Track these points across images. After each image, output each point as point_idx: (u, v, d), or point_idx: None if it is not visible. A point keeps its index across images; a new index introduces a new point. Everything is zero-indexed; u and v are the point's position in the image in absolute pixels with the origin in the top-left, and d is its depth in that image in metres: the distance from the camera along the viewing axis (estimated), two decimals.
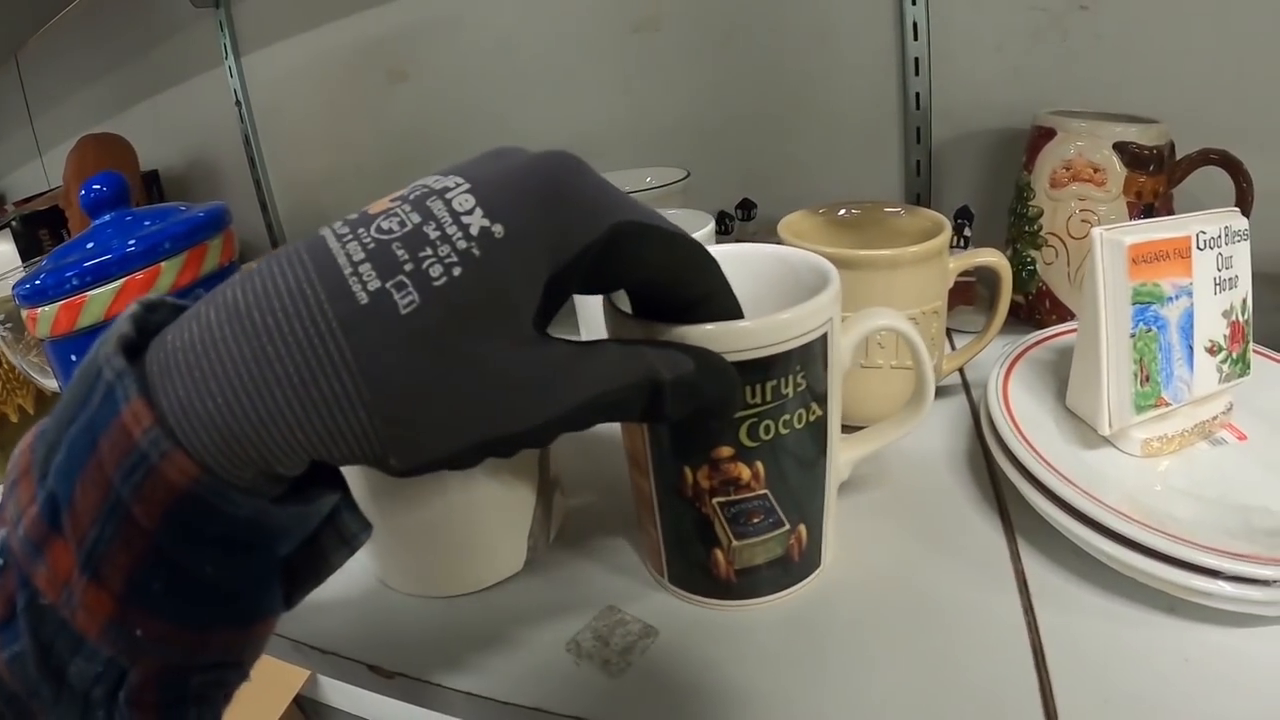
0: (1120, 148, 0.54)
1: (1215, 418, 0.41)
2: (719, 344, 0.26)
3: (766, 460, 0.31)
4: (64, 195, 1.03)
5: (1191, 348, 0.38)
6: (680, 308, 0.26)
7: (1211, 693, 0.29)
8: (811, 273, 0.35)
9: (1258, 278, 0.40)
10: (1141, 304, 0.37)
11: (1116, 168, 0.54)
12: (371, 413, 0.18)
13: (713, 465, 0.31)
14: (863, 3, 0.71)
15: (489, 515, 0.38)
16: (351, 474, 0.27)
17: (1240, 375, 0.40)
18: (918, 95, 0.70)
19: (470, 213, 0.19)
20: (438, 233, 0.19)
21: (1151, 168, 0.54)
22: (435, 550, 0.38)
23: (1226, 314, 0.39)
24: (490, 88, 0.91)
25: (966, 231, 0.66)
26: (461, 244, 0.18)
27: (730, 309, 0.27)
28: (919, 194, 0.73)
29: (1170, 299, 0.37)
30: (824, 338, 0.31)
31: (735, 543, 0.33)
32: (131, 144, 1.05)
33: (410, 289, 0.18)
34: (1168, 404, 0.38)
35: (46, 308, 0.44)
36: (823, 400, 0.32)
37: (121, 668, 0.18)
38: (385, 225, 0.19)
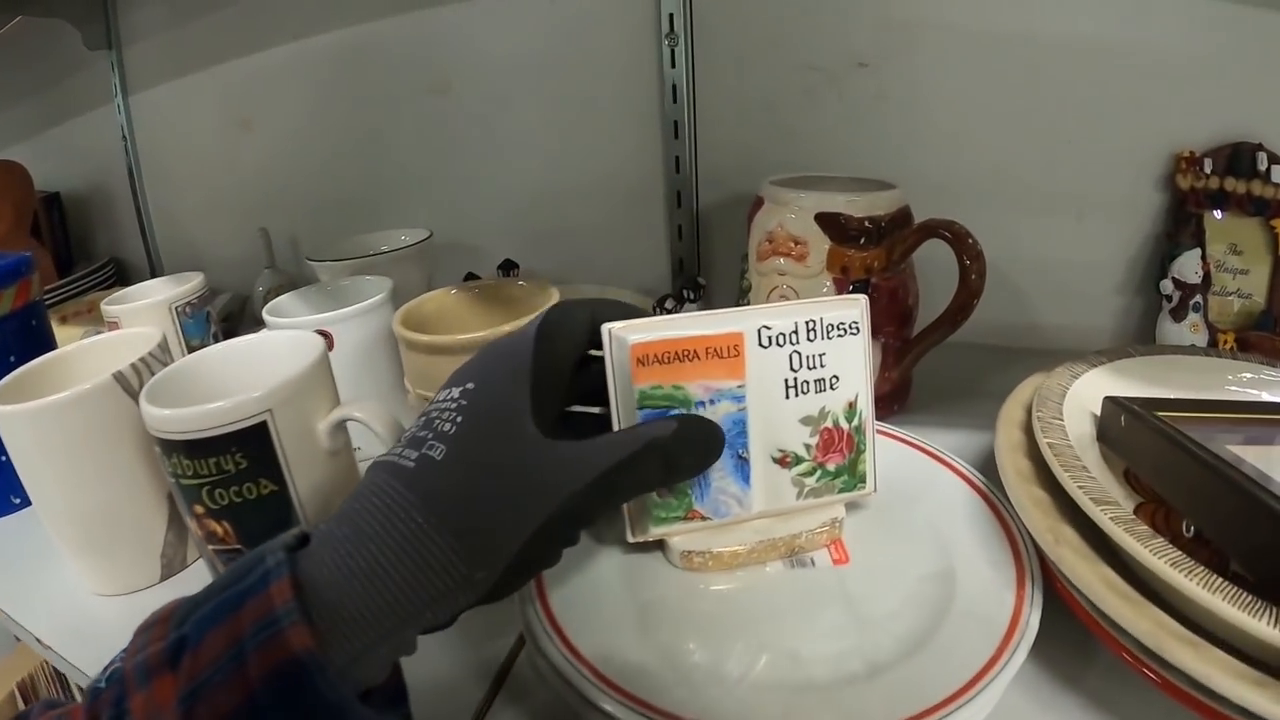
0: (825, 220, 0.49)
1: (802, 535, 0.36)
2: (175, 425, 0.36)
3: (230, 521, 0.37)
4: None
5: (743, 458, 0.33)
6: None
7: None
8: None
9: (978, 349, 0.35)
10: (653, 408, 0.31)
11: (820, 241, 0.49)
12: (441, 531, 0.23)
13: (197, 519, 0.38)
14: (627, 68, 0.69)
15: (122, 531, 0.44)
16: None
17: (845, 489, 0.35)
18: (677, 159, 0.66)
19: (454, 387, 0.28)
20: (439, 410, 0.27)
21: (863, 241, 0.49)
22: (84, 554, 0.45)
23: (810, 421, 0.34)
24: (326, 138, 0.93)
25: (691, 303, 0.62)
26: (452, 405, 0.26)
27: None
28: (682, 259, 0.69)
29: (701, 404, 0.32)
30: (263, 425, 0.37)
31: None
32: (26, 169, 1.09)
33: (436, 443, 0.25)
34: (704, 518, 0.34)
35: None
36: (277, 477, 0.38)
37: None
38: (412, 427, 0.27)
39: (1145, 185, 0.58)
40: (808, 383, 0.33)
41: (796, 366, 0.33)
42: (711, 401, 0.32)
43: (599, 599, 0.34)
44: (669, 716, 0.26)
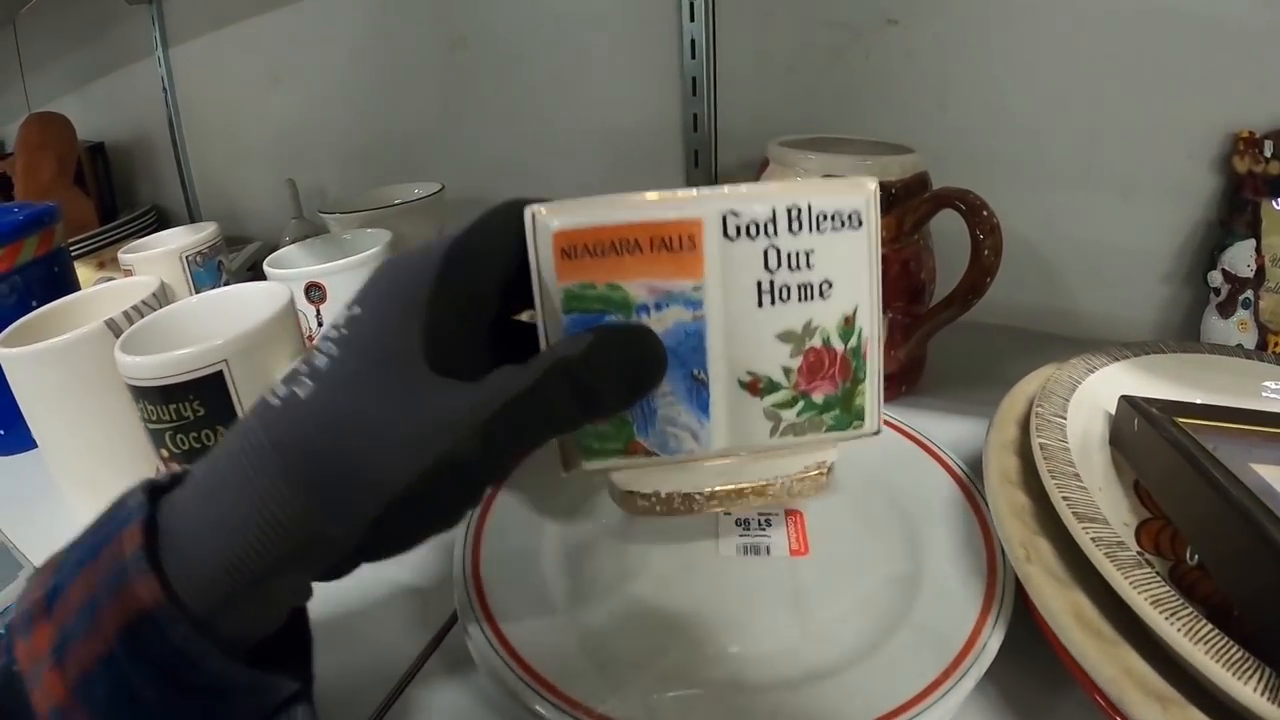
0: None
1: (778, 482, 0.27)
2: (139, 371, 0.37)
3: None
4: (12, 164, 1.11)
5: (700, 381, 0.25)
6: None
7: None
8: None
9: (1006, 331, 0.31)
10: (583, 313, 0.24)
11: None
12: (291, 484, 0.20)
13: (164, 462, 0.39)
14: (645, 22, 0.66)
15: (118, 470, 0.43)
16: None
17: (836, 428, 0.27)
18: (695, 117, 0.62)
19: (340, 317, 0.23)
20: (322, 339, 0.23)
21: None
22: (84, 491, 0.47)
23: (791, 337, 0.25)
24: (351, 91, 0.93)
25: None
26: (334, 334, 0.22)
27: None
28: None
29: (643, 309, 0.24)
30: (219, 374, 0.37)
31: None
32: (69, 120, 1.12)
33: (306, 380, 0.22)
34: (649, 453, 0.26)
35: None
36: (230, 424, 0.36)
37: None
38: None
39: (1198, 166, 0.53)
40: (788, 288, 0.25)
41: (773, 265, 0.24)
42: (658, 307, 0.24)
43: (533, 572, 0.33)
44: (583, 710, 0.25)
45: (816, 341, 0.25)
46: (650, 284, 0.24)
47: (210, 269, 0.73)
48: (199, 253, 0.71)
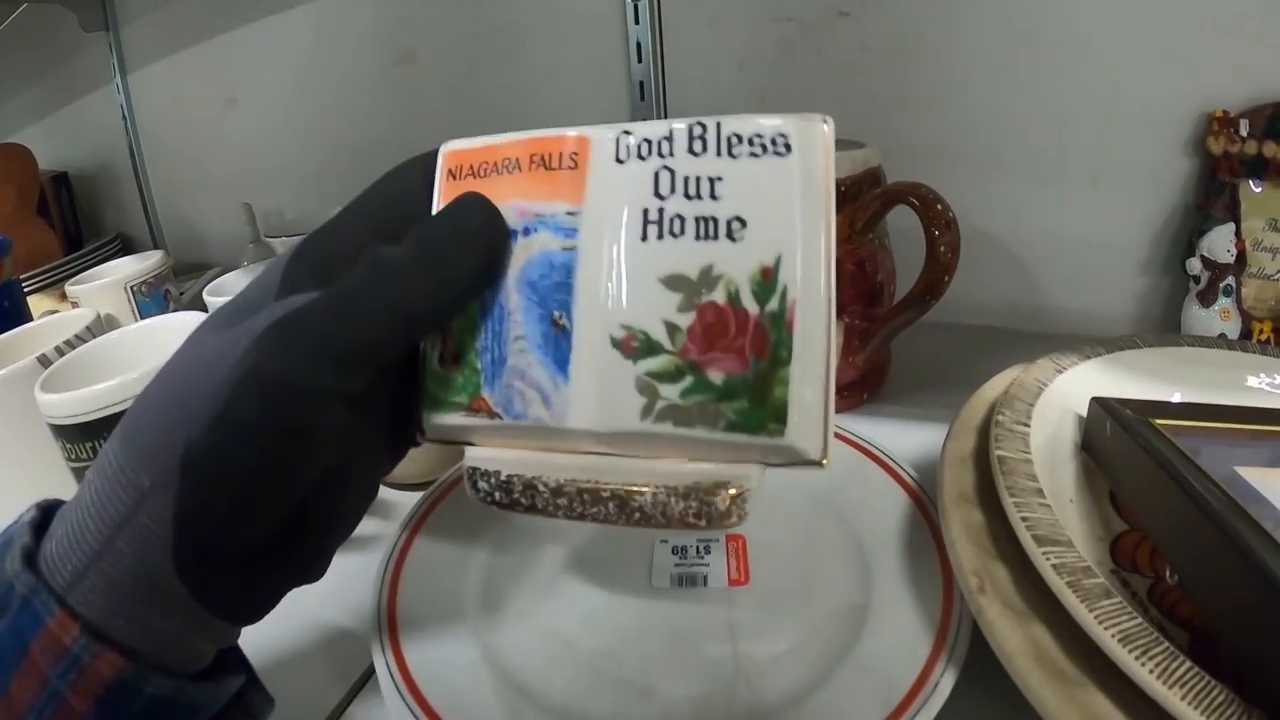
0: None
1: (648, 494, 0.20)
2: (53, 410, 0.36)
3: None
4: None
5: (560, 326, 0.20)
6: None
7: None
8: None
9: (978, 332, 0.28)
10: None
11: None
12: (115, 437, 0.20)
13: None
14: (590, 26, 0.64)
15: None
16: None
17: (739, 427, 0.19)
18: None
19: None
20: None
21: None
22: None
23: (678, 283, 0.19)
24: (303, 112, 0.92)
25: None
26: None
27: None
28: None
29: (513, 234, 0.21)
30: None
31: None
32: (30, 151, 1.11)
33: None
34: (493, 414, 0.21)
35: None
36: None
37: None
38: None
39: (1171, 149, 0.50)
40: (680, 218, 0.19)
41: (665, 191, 0.19)
42: (526, 232, 0.20)
43: (452, 608, 0.30)
44: None
45: (719, 295, 0.19)
46: (520, 205, 0.20)
47: (157, 298, 0.70)
48: (144, 282, 0.69)
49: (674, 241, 0.19)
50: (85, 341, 0.48)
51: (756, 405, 0.19)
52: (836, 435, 0.36)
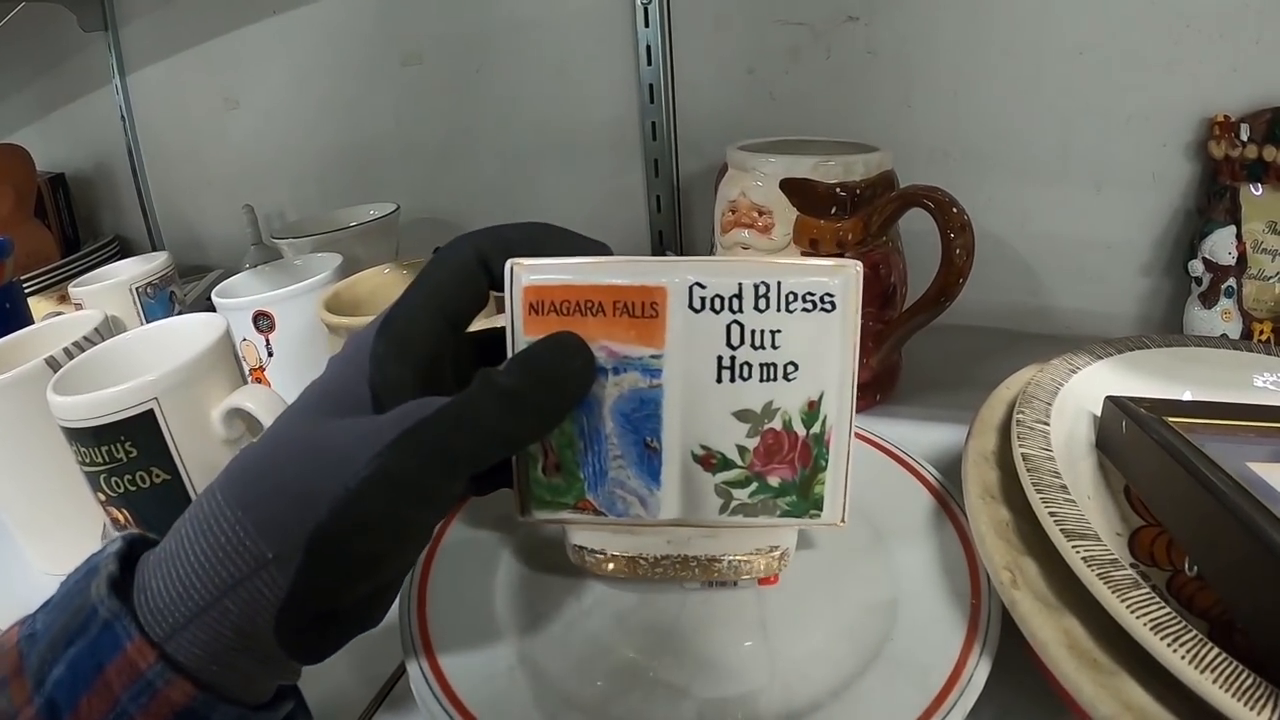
0: (791, 186, 0.43)
1: (724, 560, 0.28)
2: (67, 412, 0.36)
3: (128, 508, 0.37)
4: None
5: (652, 448, 0.25)
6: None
7: None
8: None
9: (984, 333, 0.29)
10: None
11: (786, 211, 0.43)
12: (230, 504, 0.21)
13: (101, 506, 0.38)
14: (600, 29, 0.65)
15: (63, 511, 0.43)
16: None
17: (791, 513, 0.26)
18: (654, 125, 0.61)
19: None
20: None
21: (835, 210, 0.43)
22: (29, 533, 0.45)
23: (749, 416, 0.25)
24: (307, 114, 0.91)
25: None
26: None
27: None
28: (661, 232, 0.63)
29: (601, 371, 0.24)
30: (150, 414, 0.36)
31: None
32: (27, 152, 1.10)
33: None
34: (598, 512, 0.26)
35: None
36: (169, 466, 0.37)
37: None
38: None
39: (1173, 153, 0.51)
40: (749, 366, 0.24)
41: (736, 342, 0.24)
42: (615, 371, 0.24)
43: (483, 610, 0.31)
44: None
45: (776, 424, 0.25)
46: (609, 347, 0.24)
47: (162, 300, 0.70)
48: (150, 284, 0.68)
49: (743, 384, 0.24)
50: (95, 344, 0.47)
51: (802, 499, 0.26)
52: (859, 436, 0.37)
